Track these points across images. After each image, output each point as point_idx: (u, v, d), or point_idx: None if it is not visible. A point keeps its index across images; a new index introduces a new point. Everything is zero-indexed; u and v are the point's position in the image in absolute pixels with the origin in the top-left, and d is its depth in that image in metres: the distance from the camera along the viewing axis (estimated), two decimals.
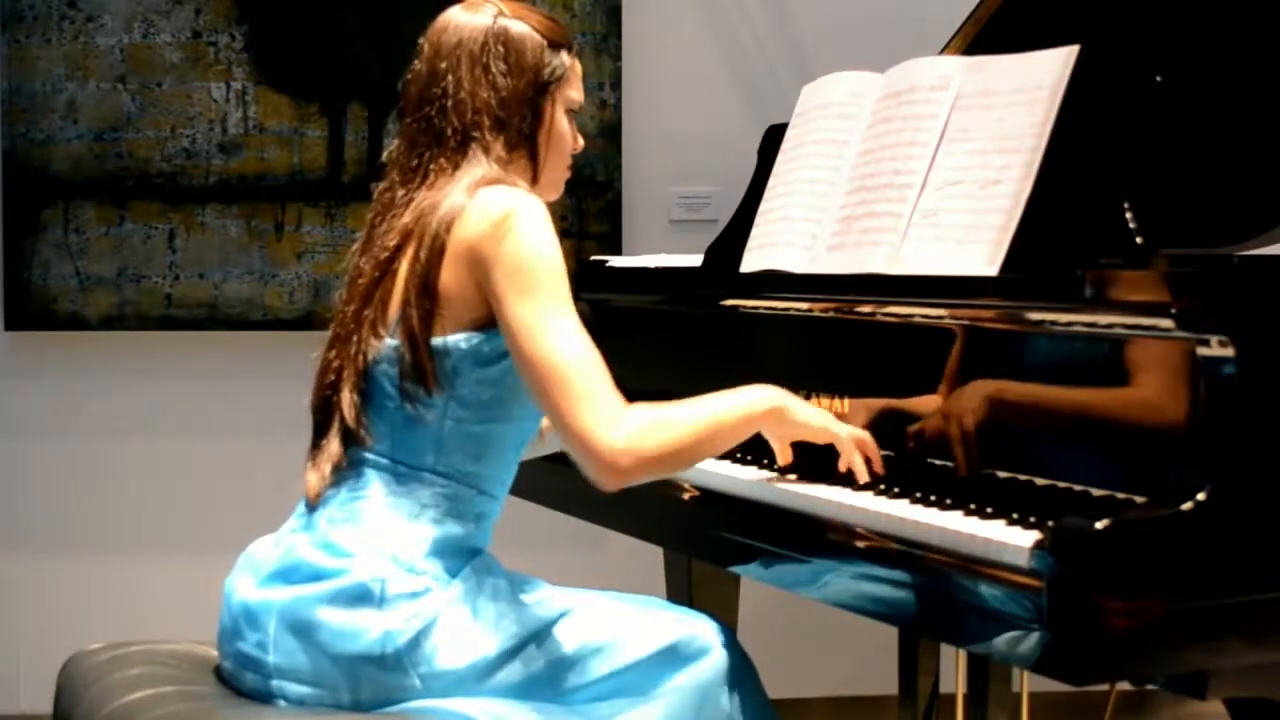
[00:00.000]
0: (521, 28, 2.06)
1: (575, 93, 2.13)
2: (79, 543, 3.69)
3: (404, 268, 1.97)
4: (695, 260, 2.70)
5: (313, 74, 3.63)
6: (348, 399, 1.98)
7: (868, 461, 2.10)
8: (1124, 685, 1.82)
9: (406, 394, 1.95)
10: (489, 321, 1.95)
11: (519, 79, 2.04)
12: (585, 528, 2.71)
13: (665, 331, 2.74)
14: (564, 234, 3.64)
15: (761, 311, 2.45)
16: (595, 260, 3.03)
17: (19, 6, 3.57)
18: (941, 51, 2.62)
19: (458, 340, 1.95)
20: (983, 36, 2.64)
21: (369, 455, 1.99)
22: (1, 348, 3.64)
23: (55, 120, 3.59)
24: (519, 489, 2.61)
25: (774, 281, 2.41)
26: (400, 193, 2.03)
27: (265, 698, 1.94)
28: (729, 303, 2.52)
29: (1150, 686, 1.69)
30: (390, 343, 1.97)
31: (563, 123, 2.10)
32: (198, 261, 3.62)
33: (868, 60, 2.51)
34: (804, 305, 2.34)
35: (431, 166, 2.02)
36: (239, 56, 3.62)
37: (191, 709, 1.91)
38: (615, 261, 2.95)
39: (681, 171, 3.76)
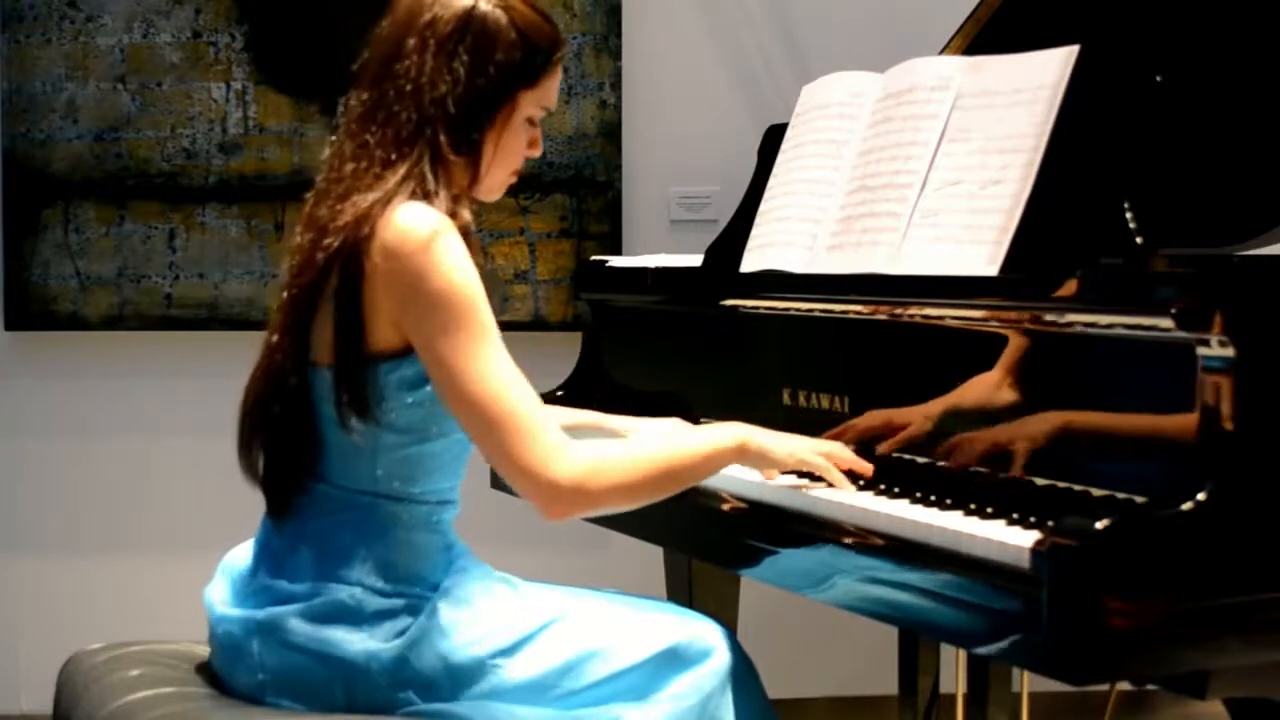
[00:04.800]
0: (500, 19, 1.93)
1: (546, 101, 2.01)
2: (79, 543, 3.69)
3: (332, 285, 1.88)
4: (695, 260, 2.70)
5: (313, 74, 3.63)
6: (294, 428, 1.93)
7: (851, 474, 2.09)
8: (1124, 685, 1.82)
9: (342, 420, 1.89)
10: (404, 347, 1.88)
11: (480, 78, 1.92)
12: (586, 528, 2.71)
13: (665, 331, 2.74)
14: (564, 234, 3.66)
15: (761, 311, 2.45)
16: (595, 260, 3.03)
17: (19, 6, 3.57)
18: (941, 51, 2.62)
19: (379, 366, 1.88)
20: (983, 36, 2.64)
21: (319, 484, 1.95)
22: (1, 348, 3.64)
23: (55, 120, 3.59)
24: None
25: (774, 281, 2.41)
26: (350, 166, 1.92)
27: (261, 701, 1.93)
28: (729, 303, 2.52)
29: (1150, 686, 1.69)
30: (323, 370, 1.91)
31: (517, 131, 1.99)
32: (198, 261, 3.62)
33: (868, 60, 2.51)
34: (804, 305, 2.34)
35: (378, 152, 1.90)
36: (239, 56, 3.62)
37: (190, 709, 1.90)
38: (615, 261, 2.95)
39: (681, 171, 3.76)
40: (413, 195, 1.89)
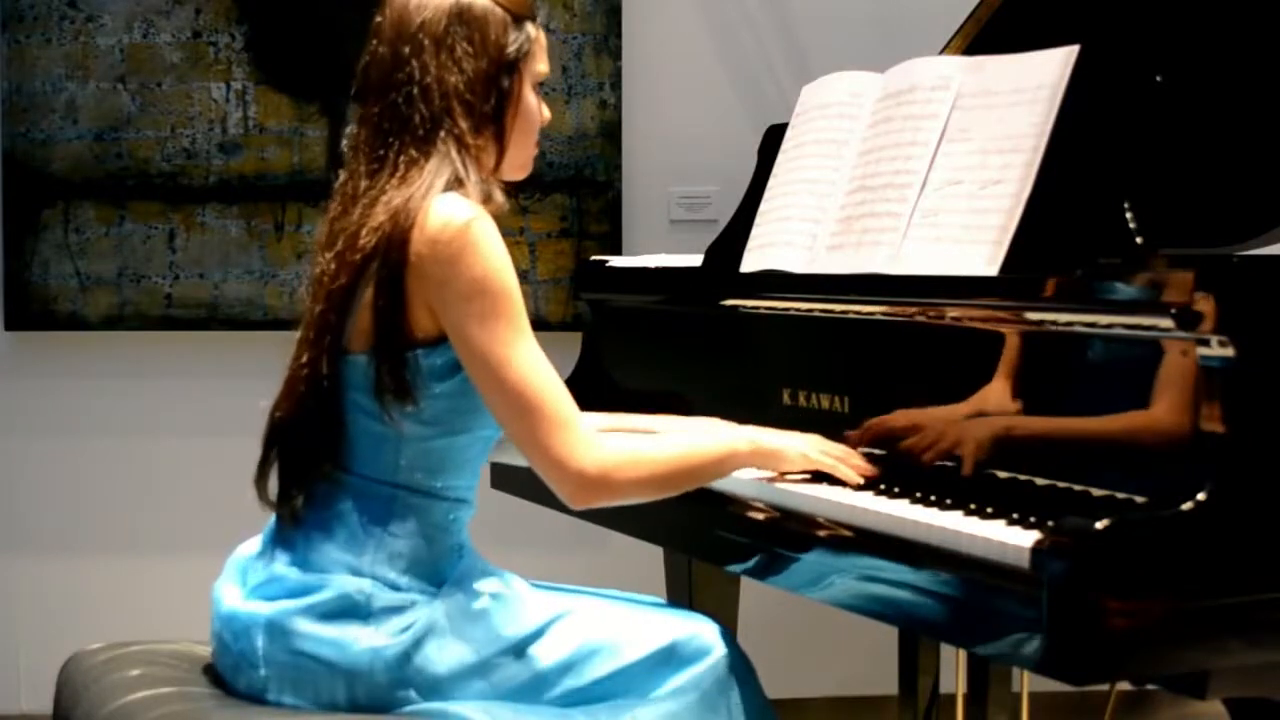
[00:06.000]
0: (483, 3, 1.99)
1: (541, 65, 2.07)
2: (79, 543, 3.69)
3: (373, 277, 1.90)
4: (695, 260, 2.70)
5: (313, 74, 3.63)
6: (321, 417, 1.95)
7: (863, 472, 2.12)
8: (1124, 685, 1.82)
9: (382, 408, 1.91)
10: (438, 335, 1.91)
11: (483, 59, 1.98)
12: (586, 528, 2.71)
13: (665, 331, 2.74)
14: (564, 234, 3.66)
15: (761, 311, 2.45)
16: (595, 260, 3.03)
17: (19, 6, 3.57)
18: (941, 51, 2.62)
19: (415, 354, 1.91)
20: (983, 36, 2.64)
21: (340, 473, 1.96)
22: (1, 348, 3.64)
23: (55, 120, 3.59)
24: (521, 490, 2.62)
25: (774, 281, 2.41)
26: (365, 183, 1.96)
27: (262, 701, 1.93)
28: (729, 303, 2.52)
29: (1150, 686, 1.69)
30: (359, 357, 1.93)
31: (530, 98, 2.05)
32: (198, 261, 3.62)
33: (868, 60, 2.51)
34: (804, 305, 2.34)
35: (401, 158, 1.94)
36: (239, 56, 3.63)
37: (190, 709, 1.90)
38: (615, 261, 2.95)
39: (681, 171, 3.76)
40: (448, 185, 1.93)
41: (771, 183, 2.52)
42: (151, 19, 3.60)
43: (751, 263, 2.48)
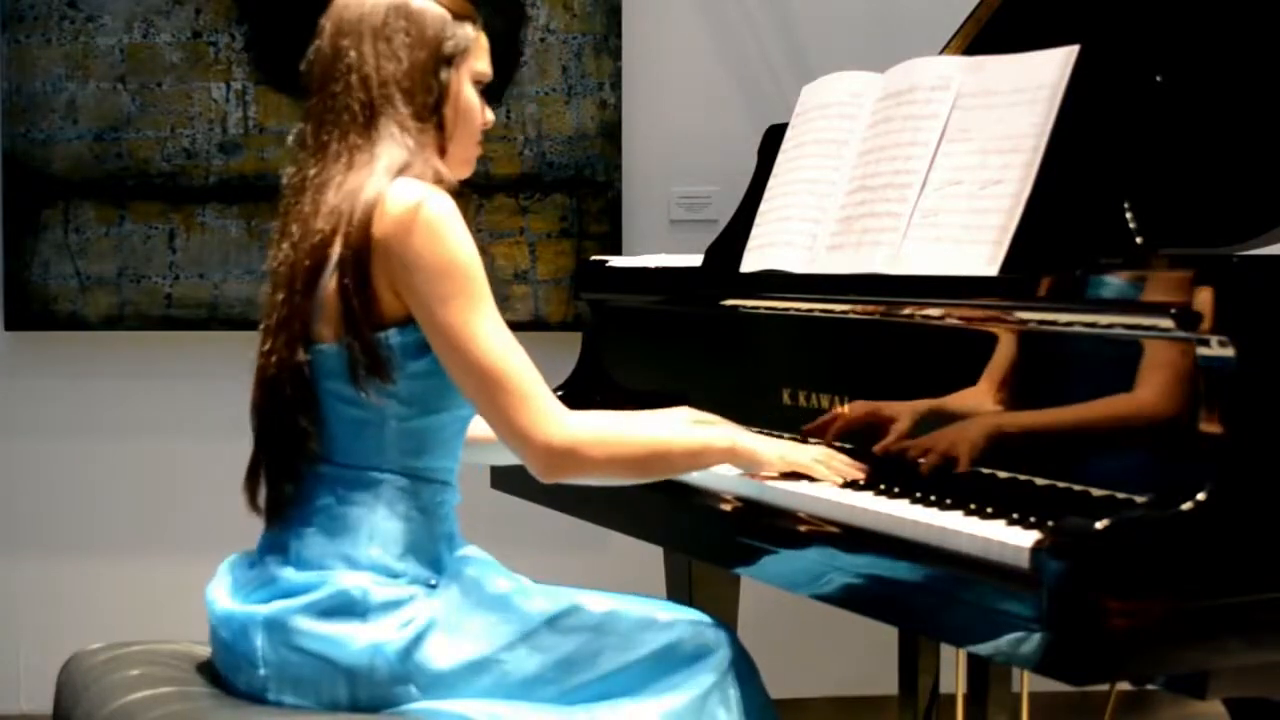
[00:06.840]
0: (422, 0, 2.03)
1: (481, 64, 2.09)
2: (79, 543, 3.69)
3: (335, 259, 1.92)
4: (695, 260, 2.70)
5: None
6: (295, 405, 1.95)
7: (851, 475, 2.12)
8: (1124, 685, 1.82)
9: (360, 391, 1.92)
10: (406, 316, 1.93)
11: (421, 50, 2.01)
12: (585, 528, 2.71)
13: (665, 331, 2.74)
14: (564, 234, 3.66)
15: (761, 311, 2.45)
16: (595, 260, 3.03)
17: (19, 6, 3.57)
18: (941, 51, 2.62)
19: (387, 335, 1.93)
20: (983, 36, 2.64)
21: (323, 465, 1.97)
22: (1, 348, 3.64)
23: (55, 120, 3.59)
24: (521, 489, 2.62)
25: (774, 281, 2.41)
26: (313, 172, 1.99)
27: (262, 701, 1.93)
28: (729, 303, 2.52)
29: (1150, 686, 1.69)
30: (330, 347, 1.94)
31: (470, 95, 2.07)
32: (198, 261, 3.63)
33: (868, 60, 2.51)
34: (804, 305, 2.34)
35: (344, 145, 1.98)
36: (239, 56, 3.63)
37: (191, 709, 1.90)
38: (615, 261, 2.95)
39: (681, 171, 3.76)
40: (399, 167, 1.95)
41: (771, 183, 2.52)
42: (151, 19, 3.61)
43: (751, 263, 2.48)
